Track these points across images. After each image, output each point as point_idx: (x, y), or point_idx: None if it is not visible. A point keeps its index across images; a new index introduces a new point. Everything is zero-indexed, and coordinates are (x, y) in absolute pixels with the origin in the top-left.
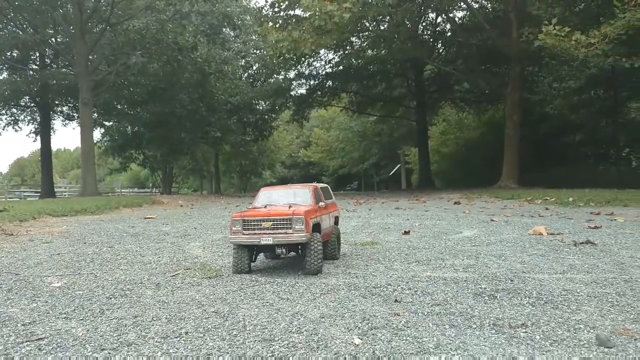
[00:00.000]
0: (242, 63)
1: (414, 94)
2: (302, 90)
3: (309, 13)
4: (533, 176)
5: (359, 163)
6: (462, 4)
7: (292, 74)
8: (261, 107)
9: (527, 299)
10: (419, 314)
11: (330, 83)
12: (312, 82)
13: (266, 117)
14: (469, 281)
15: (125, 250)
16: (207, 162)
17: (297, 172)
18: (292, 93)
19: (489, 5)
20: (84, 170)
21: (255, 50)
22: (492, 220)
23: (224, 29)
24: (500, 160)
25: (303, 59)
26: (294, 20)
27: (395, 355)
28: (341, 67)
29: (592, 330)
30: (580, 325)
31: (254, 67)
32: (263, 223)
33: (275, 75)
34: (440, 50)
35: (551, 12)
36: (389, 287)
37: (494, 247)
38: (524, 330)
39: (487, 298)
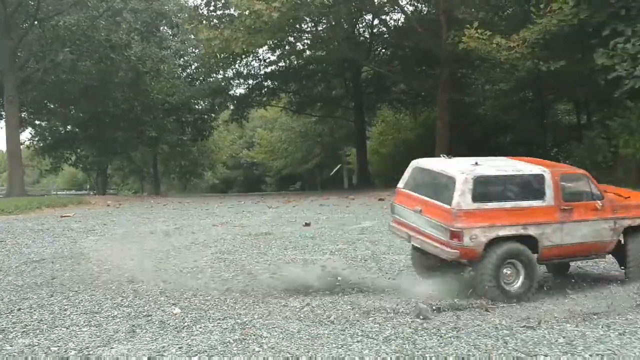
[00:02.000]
0: (181, 62)
1: (352, 94)
2: (241, 90)
3: (239, 12)
4: None
5: (302, 163)
6: (396, 7)
7: (230, 73)
8: (200, 107)
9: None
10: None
11: (269, 83)
12: (251, 82)
13: (205, 116)
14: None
15: (16, 244)
16: (146, 163)
17: (240, 173)
18: (231, 92)
19: (423, 8)
20: (10, 171)
21: (194, 49)
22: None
23: (162, 28)
24: None
25: (239, 58)
26: (228, 19)
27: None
28: (279, 67)
29: None
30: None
31: (193, 66)
32: None
33: (214, 75)
34: (377, 52)
35: (476, 15)
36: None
37: (375, 235)
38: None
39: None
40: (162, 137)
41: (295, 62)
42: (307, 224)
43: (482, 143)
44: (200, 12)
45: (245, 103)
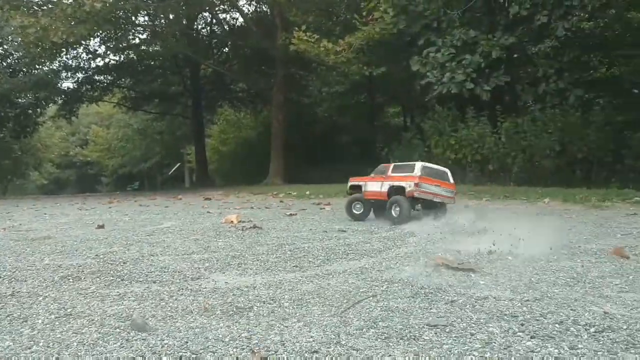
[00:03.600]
0: (1, 51)
1: (191, 92)
2: (70, 84)
3: None
4: (302, 174)
5: (141, 162)
6: (233, 8)
7: (57, 66)
8: (23, 101)
9: (113, 277)
10: None
11: (102, 77)
12: (80, 76)
13: (30, 111)
14: (78, 267)
15: None
16: None
17: (72, 173)
18: (59, 86)
19: (261, 8)
20: None
21: (15, 37)
22: (209, 212)
23: None
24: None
25: (63, 49)
26: (49, 6)
27: None
28: (113, 61)
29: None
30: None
31: (15, 56)
32: None
33: (38, 66)
34: (216, 51)
35: (306, 19)
36: None
37: (170, 235)
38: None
39: (71, 280)
40: None
41: (131, 57)
42: (100, 226)
43: (320, 143)
44: None
45: (75, 98)
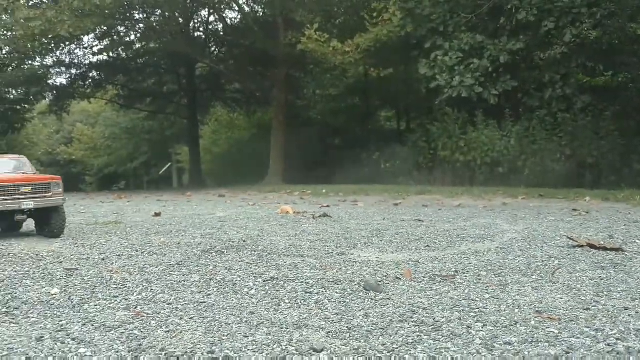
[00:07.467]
0: None
1: (186, 91)
2: (62, 80)
3: None
4: (299, 175)
5: (127, 162)
6: (233, 4)
7: (50, 61)
8: (12, 96)
9: (252, 252)
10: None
11: (95, 74)
12: (74, 72)
13: (18, 107)
14: (202, 244)
15: None
16: None
17: (56, 171)
18: (50, 82)
19: (259, 8)
20: None
21: (4, 32)
22: (250, 205)
23: None
24: (268, 161)
25: (62, 44)
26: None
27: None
28: (107, 58)
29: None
30: (285, 268)
31: (4, 50)
32: None
33: (29, 62)
34: (212, 49)
35: (313, 19)
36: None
37: (240, 222)
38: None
39: (214, 254)
40: None
41: (124, 54)
42: (157, 214)
43: (314, 145)
44: None
45: (67, 94)
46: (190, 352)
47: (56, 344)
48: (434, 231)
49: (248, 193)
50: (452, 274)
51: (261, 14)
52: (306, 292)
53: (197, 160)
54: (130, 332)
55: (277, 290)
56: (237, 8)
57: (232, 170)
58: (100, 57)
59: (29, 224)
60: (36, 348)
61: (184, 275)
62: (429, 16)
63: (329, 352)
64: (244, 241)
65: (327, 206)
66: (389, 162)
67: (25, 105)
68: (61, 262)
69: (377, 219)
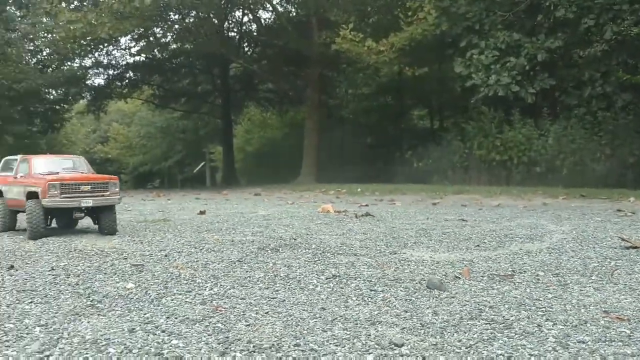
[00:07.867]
0: (31, 47)
1: (220, 91)
2: (100, 80)
3: None
4: (331, 174)
5: (162, 160)
6: (267, 5)
7: (88, 62)
8: (52, 97)
9: (306, 250)
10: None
11: (132, 74)
12: (111, 72)
13: (57, 107)
14: (255, 242)
15: None
16: None
17: (93, 169)
18: (89, 82)
19: (292, 9)
20: None
21: (46, 34)
22: (289, 203)
23: (9, 8)
24: (300, 160)
25: (101, 45)
26: (91, 2)
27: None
28: (143, 58)
29: (347, 266)
30: (343, 266)
31: (44, 52)
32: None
33: (69, 63)
34: (246, 49)
35: (347, 19)
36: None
37: (285, 220)
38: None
39: (269, 251)
40: (6, 127)
41: (160, 55)
42: (202, 212)
43: (346, 144)
44: None
45: (104, 94)
46: (277, 345)
47: (148, 335)
48: (480, 231)
49: (283, 192)
50: (510, 273)
51: (295, 13)
52: (371, 290)
53: (230, 159)
54: (214, 325)
55: (342, 288)
56: (270, 8)
57: (265, 169)
58: (137, 58)
59: (84, 221)
60: (131, 339)
61: (247, 272)
62: (464, 14)
63: (408, 347)
64: (294, 239)
65: (366, 205)
66: (421, 161)
67: (64, 105)
68: (126, 259)
69: (420, 219)
